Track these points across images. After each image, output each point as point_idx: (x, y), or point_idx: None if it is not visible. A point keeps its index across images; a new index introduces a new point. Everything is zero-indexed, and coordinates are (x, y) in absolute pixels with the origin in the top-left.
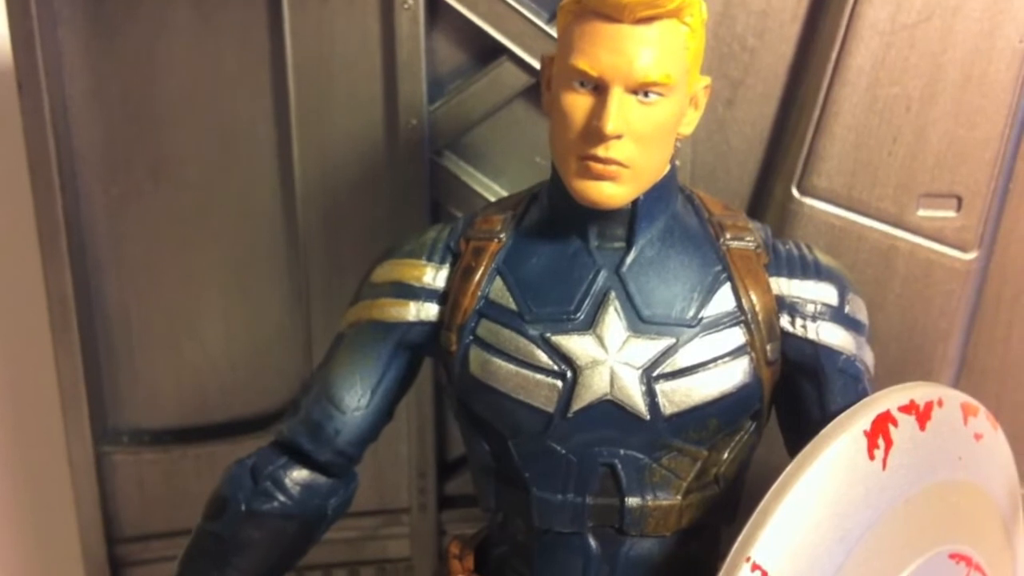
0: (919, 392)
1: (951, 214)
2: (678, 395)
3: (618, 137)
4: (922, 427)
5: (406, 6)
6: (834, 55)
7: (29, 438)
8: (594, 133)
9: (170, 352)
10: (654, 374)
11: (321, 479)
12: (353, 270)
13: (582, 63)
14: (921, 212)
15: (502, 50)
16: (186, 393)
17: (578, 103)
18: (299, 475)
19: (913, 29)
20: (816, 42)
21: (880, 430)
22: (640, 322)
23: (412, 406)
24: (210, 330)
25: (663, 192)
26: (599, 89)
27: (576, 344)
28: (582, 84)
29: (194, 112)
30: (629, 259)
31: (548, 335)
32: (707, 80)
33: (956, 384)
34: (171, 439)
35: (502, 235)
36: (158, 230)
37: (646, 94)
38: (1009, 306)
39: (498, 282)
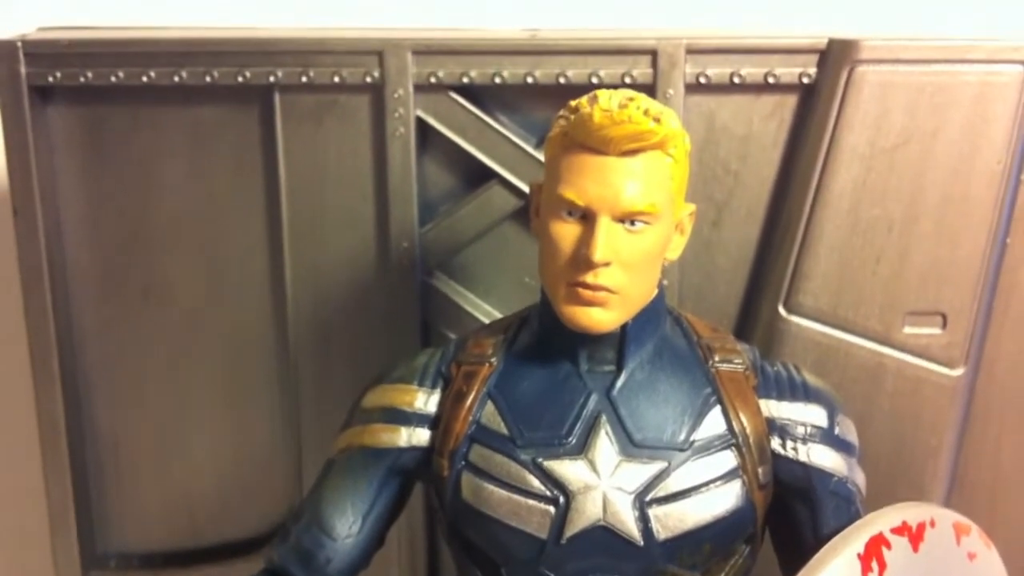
0: (911, 513)
1: (937, 331)
2: (671, 520)
3: (606, 264)
4: (915, 548)
5: (398, 133)
6: (815, 178)
7: (17, 562)
8: (582, 261)
9: (160, 474)
10: (647, 499)
11: None
12: (344, 391)
13: (569, 193)
14: (907, 329)
15: (491, 174)
16: (175, 516)
17: (566, 231)
18: None
19: (892, 152)
20: (797, 165)
21: (873, 553)
22: (632, 446)
23: (403, 530)
24: (200, 452)
25: (652, 315)
26: (587, 218)
27: (568, 469)
28: (570, 213)
29: (187, 234)
30: (619, 383)
31: (540, 460)
32: (692, 207)
33: (948, 500)
34: (160, 563)
35: (493, 359)
36: (149, 351)
37: (632, 223)
38: (998, 421)
39: (489, 406)
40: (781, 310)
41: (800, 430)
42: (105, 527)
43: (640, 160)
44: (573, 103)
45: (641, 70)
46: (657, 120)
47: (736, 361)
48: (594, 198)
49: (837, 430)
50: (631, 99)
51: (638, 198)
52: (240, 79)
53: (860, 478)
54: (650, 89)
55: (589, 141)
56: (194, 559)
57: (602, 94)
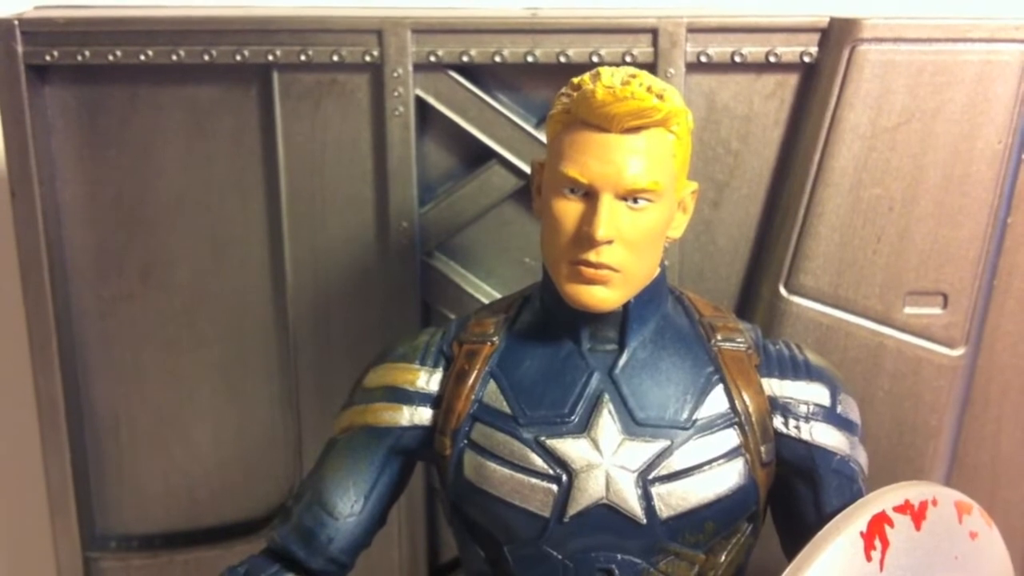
0: (913, 491)
1: (937, 311)
2: (674, 498)
3: (609, 242)
4: (918, 527)
5: (397, 113)
6: (817, 158)
7: (17, 543)
8: (585, 239)
9: (159, 456)
10: (649, 477)
11: None
12: (344, 372)
13: (572, 171)
14: (908, 310)
15: (491, 154)
16: (175, 497)
17: (569, 209)
18: None
19: (894, 132)
20: (798, 145)
21: (876, 531)
22: (634, 424)
23: (403, 510)
24: (200, 433)
25: (654, 294)
26: (589, 196)
27: (571, 447)
28: (572, 191)
29: (186, 216)
30: (622, 361)
31: (543, 438)
32: (695, 185)
33: (948, 481)
34: (160, 544)
35: (495, 338)
36: (148, 333)
37: (635, 200)
38: (998, 402)
39: (492, 385)
40: (782, 290)
41: (802, 408)
42: (105, 509)
43: (643, 137)
44: (575, 80)
45: (642, 49)
46: (660, 97)
47: (738, 340)
48: (596, 176)
49: (839, 408)
50: (634, 76)
51: (641, 176)
52: (238, 58)
53: (862, 457)
54: (651, 68)
55: (591, 118)
56: (194, 540)
57: (604, 71)
